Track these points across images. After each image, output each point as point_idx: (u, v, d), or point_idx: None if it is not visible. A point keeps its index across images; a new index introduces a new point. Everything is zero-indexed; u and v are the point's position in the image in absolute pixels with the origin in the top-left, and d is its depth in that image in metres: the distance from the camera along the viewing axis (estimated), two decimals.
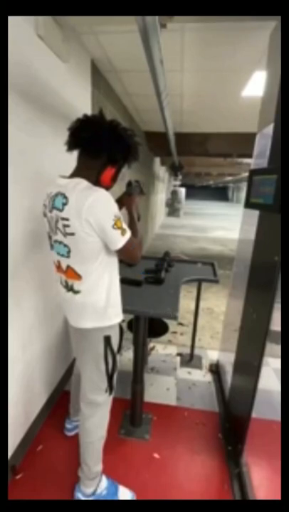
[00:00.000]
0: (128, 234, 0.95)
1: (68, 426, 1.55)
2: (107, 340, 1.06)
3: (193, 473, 1.38)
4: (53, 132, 1.42)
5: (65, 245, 0.93)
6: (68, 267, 0.97)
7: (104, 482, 1.23)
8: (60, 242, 0.95)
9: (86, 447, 1.17)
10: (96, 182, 0.95)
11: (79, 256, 0.93)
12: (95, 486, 1.20)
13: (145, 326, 1.50)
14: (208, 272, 1.98)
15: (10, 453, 1.30)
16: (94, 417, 1.15)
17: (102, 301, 1.01)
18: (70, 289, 1.01)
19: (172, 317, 1.29)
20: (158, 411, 1.73)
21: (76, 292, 1.00)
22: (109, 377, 1.10)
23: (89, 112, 1.94)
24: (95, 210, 0.85)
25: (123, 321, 1.14)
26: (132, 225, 1.09)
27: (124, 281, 1.57)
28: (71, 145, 0.96)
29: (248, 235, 1.45)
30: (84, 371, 1.12)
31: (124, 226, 0.94)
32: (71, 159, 1.01)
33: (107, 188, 0.99)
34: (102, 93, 2.21)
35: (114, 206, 0.90)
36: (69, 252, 0.94)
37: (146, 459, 1.44)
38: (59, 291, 1.08)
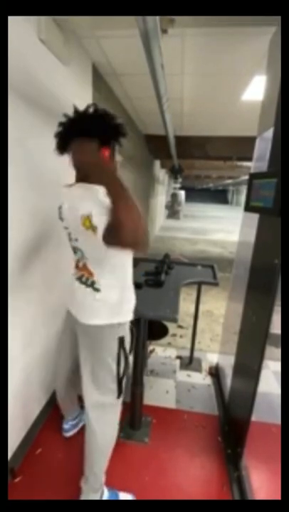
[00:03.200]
0: (99, 230, 0.88)
1: (65, 426, 1.53)
2: (121, 340, 1.06)
3: (193, 477, 1.38)
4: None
5: (79, 247, 1.04)
6: (85, 265, 1.05)
7: (106, 493, 1.19)
8: (76, 242, 1.04)
9: (94, 454, 1.12)
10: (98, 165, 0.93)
11: (92, 255, 1.01)
12: (99, 498, 1.16)
13: (145, 328, 1.50)
14: (208, 275, 1.98)
15: (9, 456, 1.30)
16: (101, 420, 1.12)
17: (117, 297, 1.04)
18: (89, 285, 1.04)
19: (172, 319, 1.30)
20: (157, 414, 1.72)
21: (95, 289, 1.03)
22: (120, 379, 1.09)
23: None
24: (80, 217, 0.94)
25: None
26: (116, 198, 0.77)
27: None
28: (62, 146, 1.00)
29: (248, 237, 1.45)
30: (90, 372, 1.10)
31: (94, 222, 0.90)
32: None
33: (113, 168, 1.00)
34: (102, 96, 2.23)
35: (85, 207, 0.92)
36: (84, 251, 1.02)
37: (146, 462, 1.43)
38: (74, 289, 1.09)
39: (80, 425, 1.55)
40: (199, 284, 2.00)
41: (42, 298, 1.49)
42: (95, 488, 1.14)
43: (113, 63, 1.97)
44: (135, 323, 1.48)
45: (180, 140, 4.01)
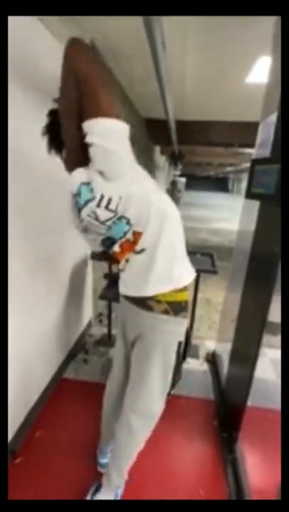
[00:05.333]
0: None
1: (102, 461, 1.31)
2: (180, 346, 1.00)
3: (189, 459, 1.42)
4: None
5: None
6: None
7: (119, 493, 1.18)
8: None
9: (125, 456, 1.11)
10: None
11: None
12: (113, 497, 1.15)
13: None
14: (207, 263, 1.98)
15: (9, 437, 1.33)
16: (145, 429, 1.09)
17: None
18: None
19: None
20: None
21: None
22: (172, 387, 1.04)
23: None
24: None
25: None
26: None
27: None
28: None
29: (248, 226, 1.44)
30: (143, 378, 1.01)
31: None
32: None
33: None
34: None
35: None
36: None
37: (145, 446, 1.46)
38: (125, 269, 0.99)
39: None
40: (198, 272, 2.00)
41: (43, 280, 1.49)
42: (116, 486, 1.14)
43: (113, 43, 1.89)
44: None
45: (181, 125, 3.92)
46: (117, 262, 1.02)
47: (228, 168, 14.15)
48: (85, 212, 0.87)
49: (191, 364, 2.13)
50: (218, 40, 1.78)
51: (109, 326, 2.28)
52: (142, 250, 0.90)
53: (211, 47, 1.89)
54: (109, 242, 0.96)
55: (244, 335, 1.45)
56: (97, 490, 1.16)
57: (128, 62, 2.22)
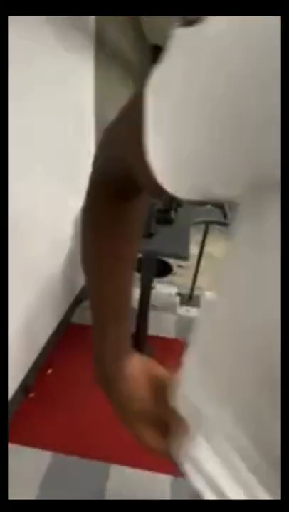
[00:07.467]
0: None
1: None
2: None
3: None
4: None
5: None
6: None
7: None
8: None
9: None
10: None
11: None
12: None
13: (152, 265, 1.49)
14: (218, 215, 1.91)
15: (23, 375, 1.40)
16: None
17: None
18: None
19: (182, 257, 1.27)
20: (158, 343, 1.85)
21: None
22: None
23: None
24: None
25: None
26: None
27: None
28: None
29: None
30: None
31: None
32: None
33: None
34: None
35: None
36: None
37: None
38: None
39: None
40: (207, 224, 1.94)
41: (46, 226, 1.43)
42: None
43: None
44: (143, 261, 1.46)
45: None
46: None
47: None
48: None
49: (193, 312, 2.20)
50: None
51: None
52: None
53: None
54: None
55: None
56: None
57: None
